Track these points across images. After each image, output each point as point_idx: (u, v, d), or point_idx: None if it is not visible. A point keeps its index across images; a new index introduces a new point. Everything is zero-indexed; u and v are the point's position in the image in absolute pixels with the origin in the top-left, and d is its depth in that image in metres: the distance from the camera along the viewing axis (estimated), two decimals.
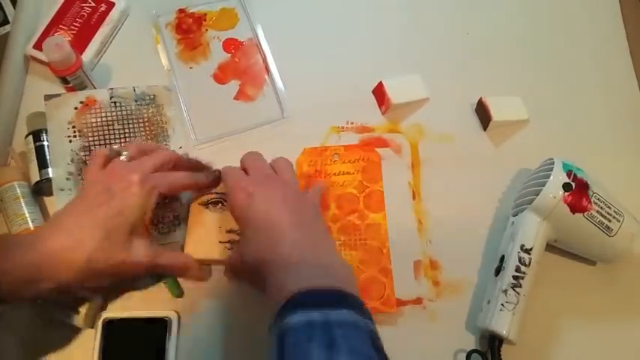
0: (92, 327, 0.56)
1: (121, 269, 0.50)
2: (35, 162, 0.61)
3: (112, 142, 0.64)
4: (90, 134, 0.63)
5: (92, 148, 0.63)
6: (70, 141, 0.63)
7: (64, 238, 0.48)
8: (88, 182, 0.52)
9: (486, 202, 0.64)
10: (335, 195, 0.63)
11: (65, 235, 0.48)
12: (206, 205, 0.62)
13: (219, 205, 0.62)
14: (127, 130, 0.64)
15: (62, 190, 0.61)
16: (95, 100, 0.65)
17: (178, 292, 0.58)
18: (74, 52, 0.62)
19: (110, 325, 0.56)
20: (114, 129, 0.64)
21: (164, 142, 0.65)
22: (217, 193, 0.62)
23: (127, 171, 0.52)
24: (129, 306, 0.58)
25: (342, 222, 0.62)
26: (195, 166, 0.59)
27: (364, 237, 0.61)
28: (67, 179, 0.61)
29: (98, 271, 0.49)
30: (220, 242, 0.60)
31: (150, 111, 0.66)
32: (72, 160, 0.62)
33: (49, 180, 0.61)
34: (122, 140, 0.64)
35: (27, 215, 0.59)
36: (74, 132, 0.63)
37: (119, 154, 0.54)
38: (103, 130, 0.64)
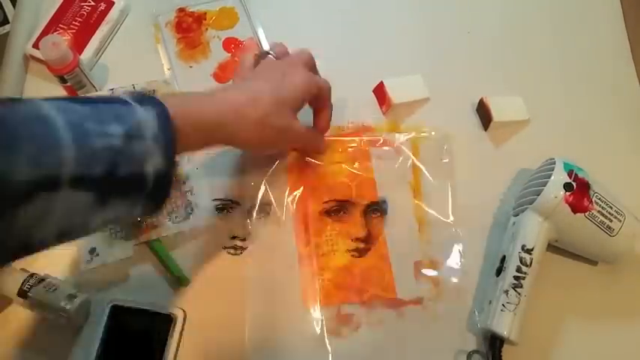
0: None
1: (287, 134, 0.57)
2: None
3: None
4: None
5: None
6: None
7: (243, 97, 0.53)
8: (244, 75, 0.59)
9: (487, 202, 0.64)
10: (327, 186, 0.63)
11: (244, 95, 0.53)
12: (213, 211, 0.62)
13: (225, 211, 0.62)
14: None
15: None
16: None
17: (183, 279, 0.58)
18: (71, 51, 0.62)
19: (116, 311, 0.56)
20: None
21: None
22: (223, 200, 0.62)
23: (290, 59, 0.59)
24: (138, 295, 0.58)
25: None
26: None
27: None
28: None
29: (268, 130, 0.54)
30: (224, 248, 0.60)
31: None
32: None
33: None
34: None
35: None
36: None
37: (268, 53, 0.60)
38: None
